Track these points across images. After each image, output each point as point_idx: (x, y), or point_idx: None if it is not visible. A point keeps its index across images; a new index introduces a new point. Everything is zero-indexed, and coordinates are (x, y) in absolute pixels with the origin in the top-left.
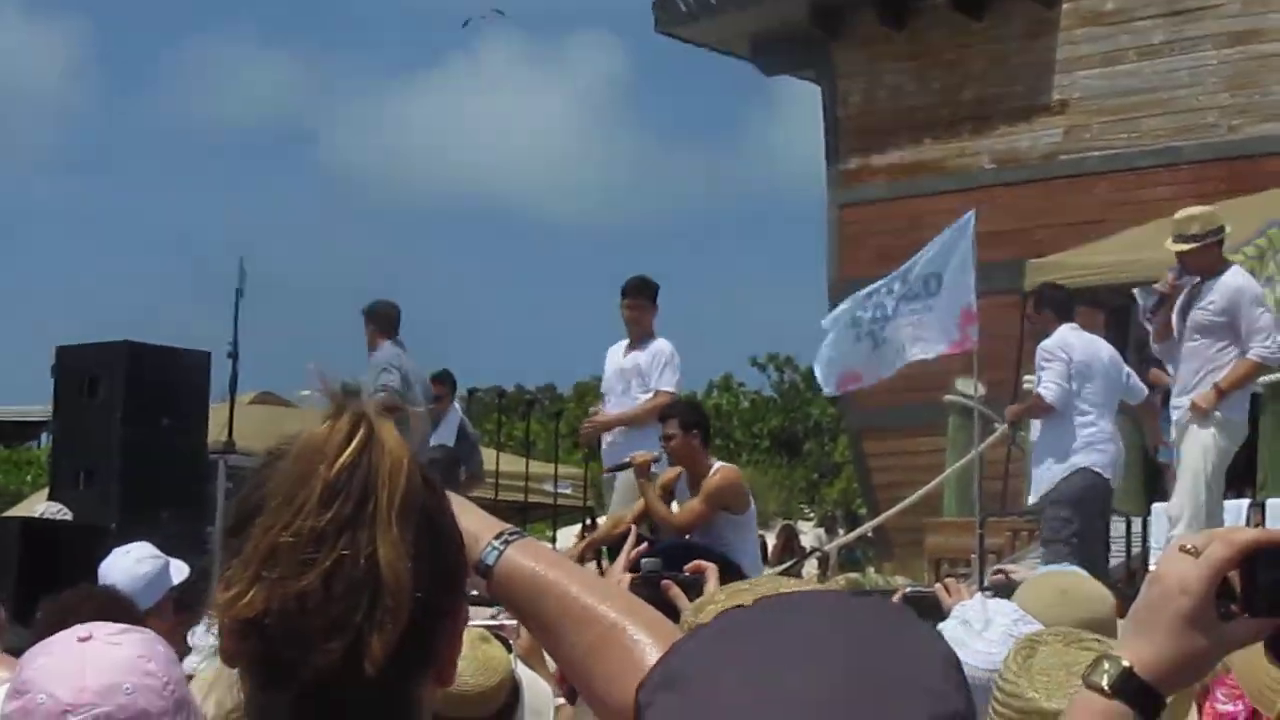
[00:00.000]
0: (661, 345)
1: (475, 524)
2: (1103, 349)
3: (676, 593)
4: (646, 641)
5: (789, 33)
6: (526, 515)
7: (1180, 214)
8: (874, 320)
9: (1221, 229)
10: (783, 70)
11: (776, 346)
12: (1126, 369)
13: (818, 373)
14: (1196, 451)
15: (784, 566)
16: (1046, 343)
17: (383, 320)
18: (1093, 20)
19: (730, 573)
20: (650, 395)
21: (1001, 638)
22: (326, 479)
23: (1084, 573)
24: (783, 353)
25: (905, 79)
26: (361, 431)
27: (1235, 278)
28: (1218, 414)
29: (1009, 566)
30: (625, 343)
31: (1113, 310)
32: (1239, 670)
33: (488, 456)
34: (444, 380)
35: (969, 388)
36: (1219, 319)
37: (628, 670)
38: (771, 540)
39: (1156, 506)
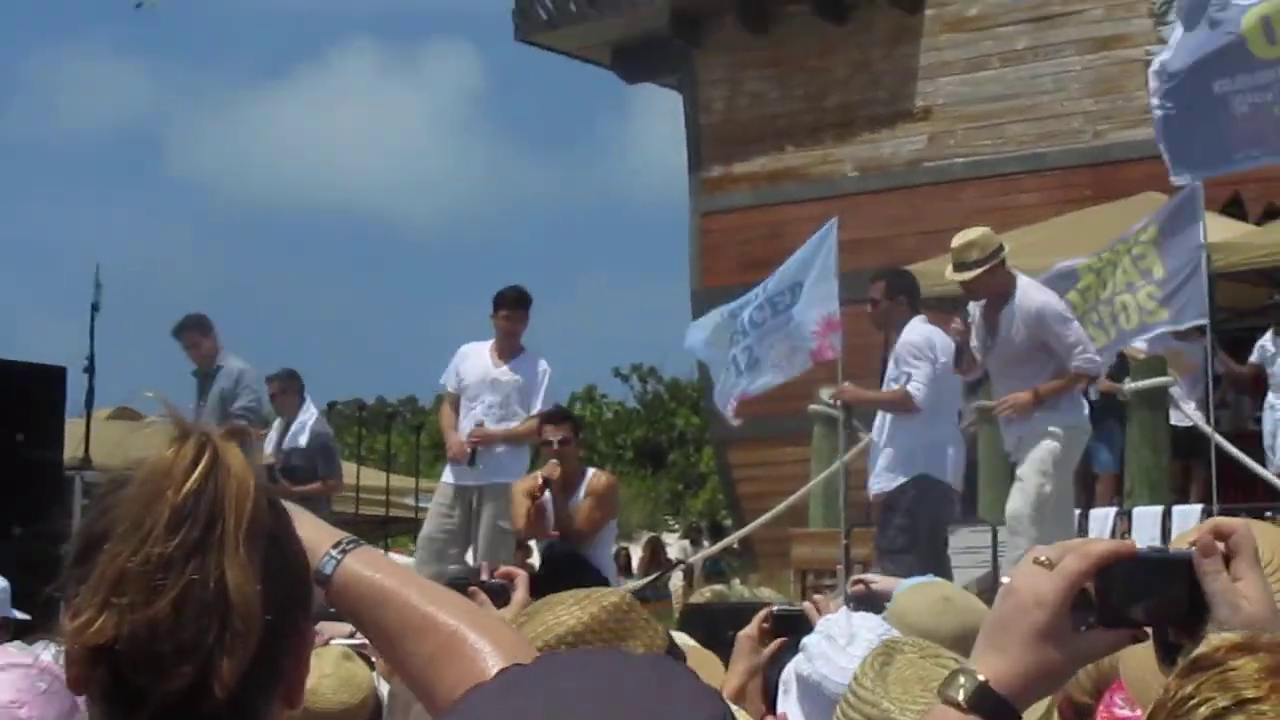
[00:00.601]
0: (545, 366)
1: (312, 533)
2: (952, 350)
3: (484, 600)
4: (487, 650)
5: (650, 40)
6: (388, 529)
7: (956, 241)
8: (745, 348)
9: (1001, 248)
10: (644, 78)
11: (640, 357)
12: None
13: (720, 406)
14: (1033, 461)
15: (649, 579)
16: (915, 338)
17: (207, 328)
18: (956, 26)
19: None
20: (530, 415)
21: (866, 652)
22: (173, 504)
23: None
24: (646, 363)
25: (768, 85)
26: (207, 455)
27: (1030, 297)
28: (1053, 427)
29: (869, 577)
30: (489, 347)
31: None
32: (1130, 677)
33: (348, 470)
34: (289, 379)
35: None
36: (1027, 346)
37: (468, 679)
38: (637, 552)
39: None
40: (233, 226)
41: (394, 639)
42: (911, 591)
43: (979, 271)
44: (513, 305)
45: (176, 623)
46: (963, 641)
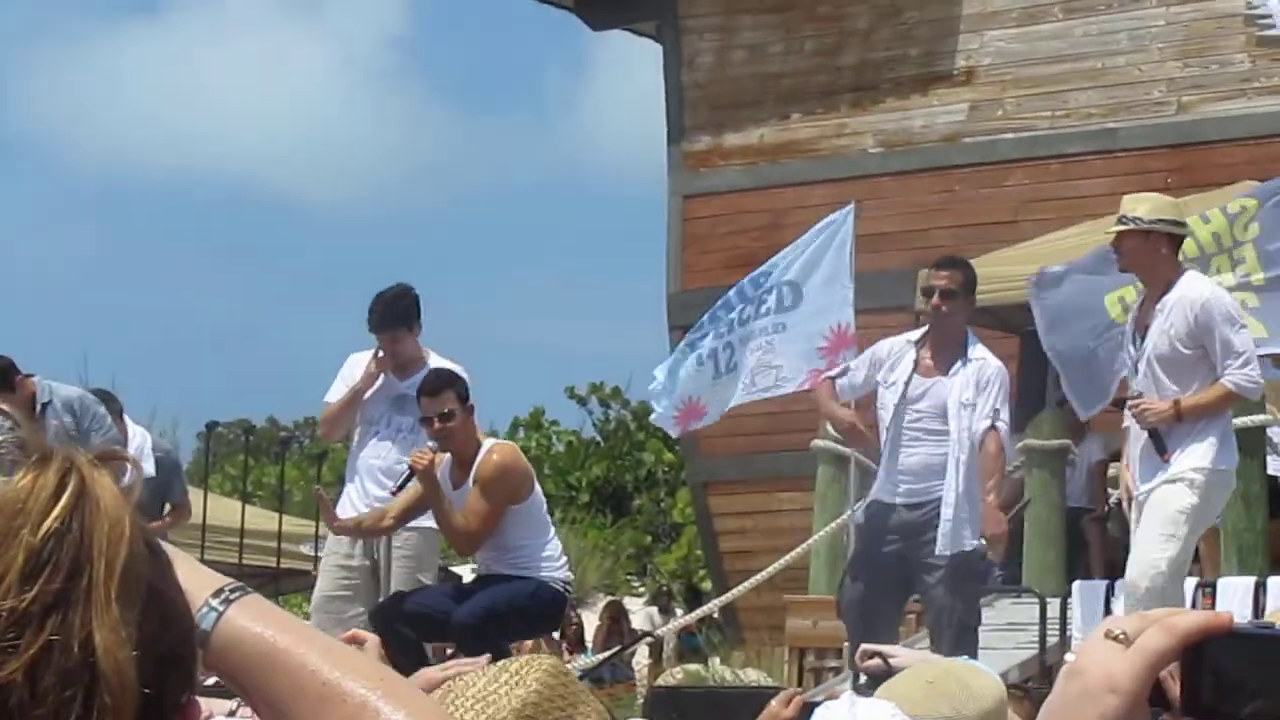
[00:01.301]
0: (452, 367)
1: (188, 577)
2: None
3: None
4: None
5: None
6: (279, 585)
7: (1128, 198)
8: (716, 340)
9: (1180, 224)
10: (614, 22)
11: (600, 375)
12: None
13: (654, 408)
14: (1160, 514)
15: (606, 655)
16: (994, 361)
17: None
18: None
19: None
20: None
21: None
22: (30, 546)
23: (971, 661)
24: (608, 383)
25: (769, 36)
26: (72, 486)
27: (1195, 287)
28: (1192, 470)
29: (886, 648)
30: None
31: (1027, 336)
32: None
33: (230, 509)
34: (105, 401)
35: None
36: (1184, 349)
37: None
38: (593, 621)
39: (1079, 585)
40: (81, 195)
41: (287, 710)
42: (902, 676)
43: (1131, 227)
44: (384, 325)
45: (30, 694)
46: None
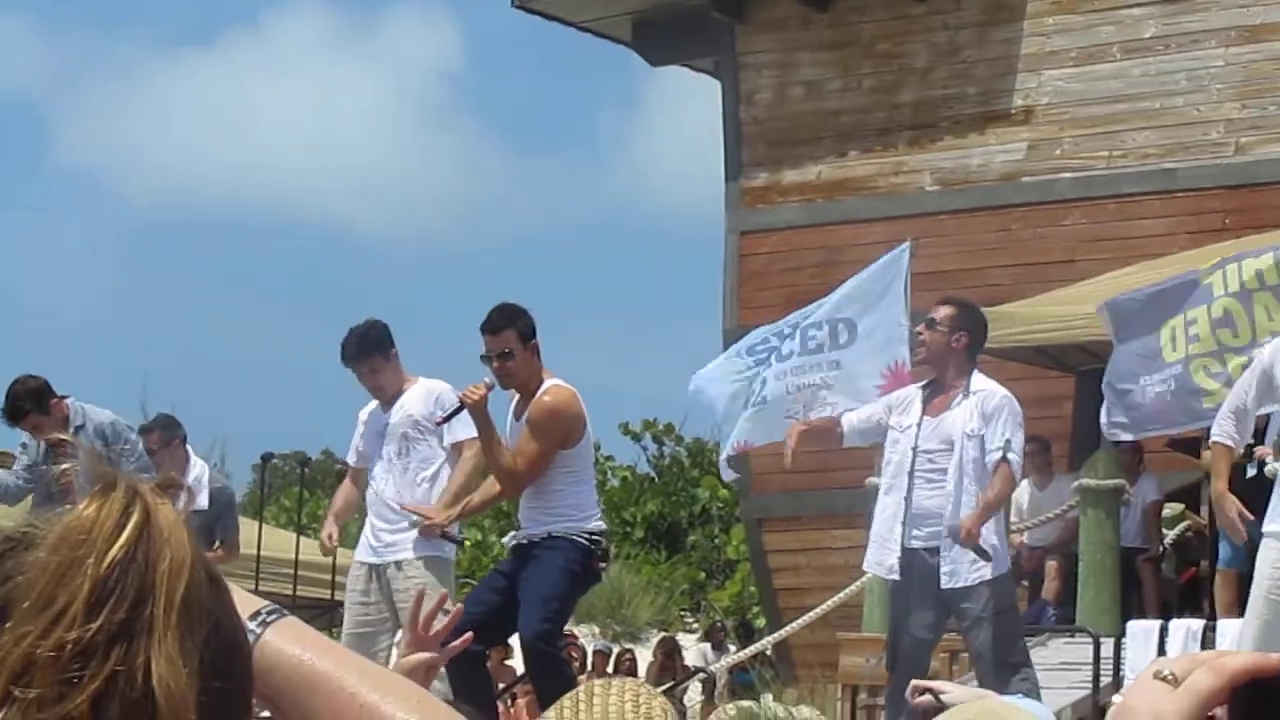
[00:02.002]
0: (435, 385)
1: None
2: None
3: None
4: None
5: (682, 11)
6: (333, 616)
7: None
8: (762, 380)
9: None
10: (673, 59)
11: (655, 412)
12: None
13: (722, 458)
14: (1264, 565)
15: (661, 689)
16: (1005, 398)
17: (43, 401)
18: (1068, 7)
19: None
20: (455, 447)
21: None
22: (96, 577)
23: (1017, 699)
24: (662, 420)
25: (828, 74)
26: (136, 514)
27: None
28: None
29: (938, 685)
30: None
31: (1083, 375)
32: None
33: (285, 541)
34: (169, 427)
35: None
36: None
37: None
38: (646, 656)
39: (1132, 625)
40: (134, 230)
41: None
42: (946, 713)
43: None
44: (358, 358)
45: None
46: None
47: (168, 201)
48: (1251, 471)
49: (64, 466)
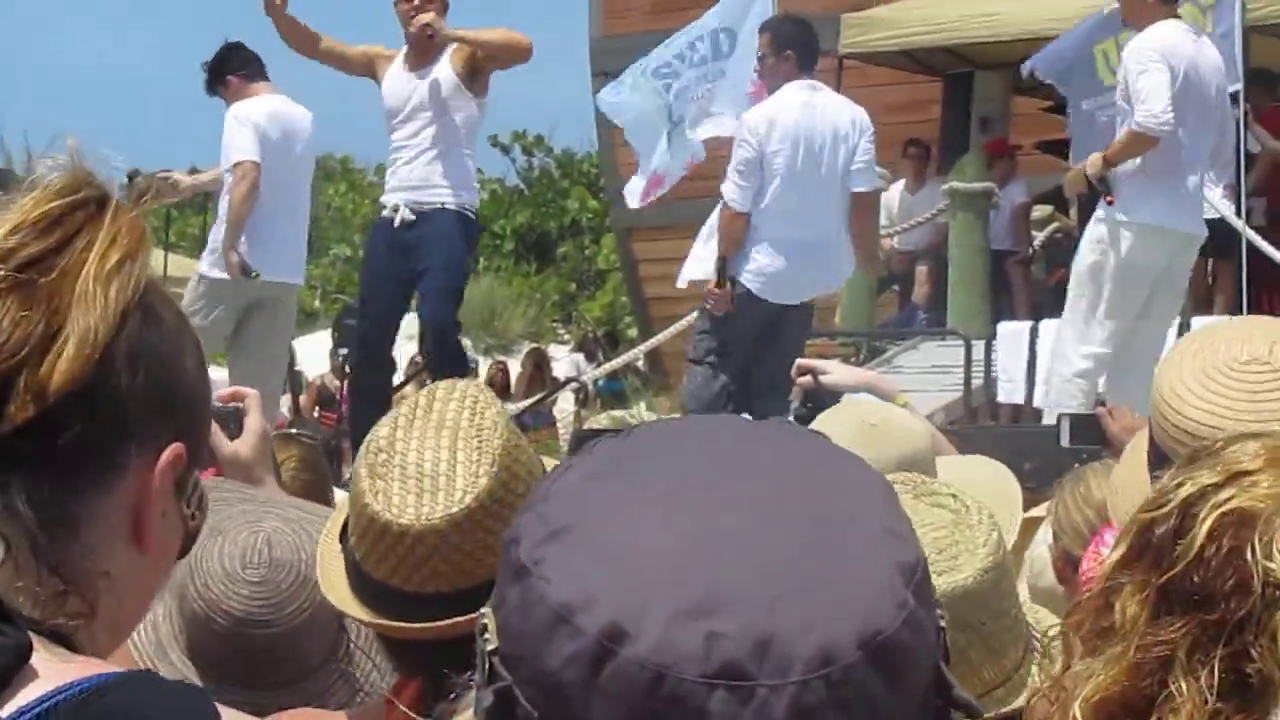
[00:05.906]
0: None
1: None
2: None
3: (215, 431)
4: None
5: None
6: None
7: None
8: (673, 99)
9: None
10: None
11: (523, 123)
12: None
13: (629, 187)
14: (1082, 256)
15: (531, 401)
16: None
17: None
18: None
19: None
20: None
21: None
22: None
23: (880, 400)
24: (531, 130)
25: None
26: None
27: (1144, 36)
28: (1119, 214)
29: (820, 364)
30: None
31: (951, 79)
32: (1120, 517)
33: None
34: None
35: None
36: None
37: None
38: (516, 368)
39: (1003, 327)
40: None
41: None
42: (830, 416)
43: None
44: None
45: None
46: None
47: None
48: None
49: None
